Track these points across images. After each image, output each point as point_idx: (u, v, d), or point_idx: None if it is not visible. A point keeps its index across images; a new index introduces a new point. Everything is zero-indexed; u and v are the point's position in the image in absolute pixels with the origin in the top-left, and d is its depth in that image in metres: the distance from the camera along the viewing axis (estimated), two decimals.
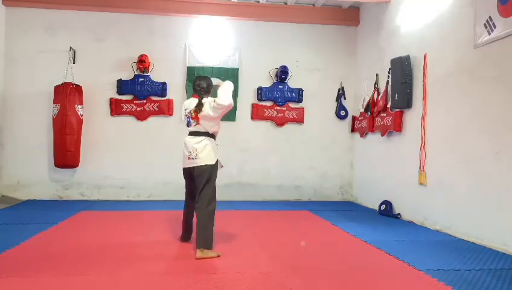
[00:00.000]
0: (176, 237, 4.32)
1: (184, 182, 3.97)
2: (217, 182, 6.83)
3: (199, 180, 3.77)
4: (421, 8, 5.44)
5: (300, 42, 7.38)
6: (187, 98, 5.00)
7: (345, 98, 7.48)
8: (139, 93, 6.90)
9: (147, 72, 6.89)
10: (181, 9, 7.03)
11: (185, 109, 3.93)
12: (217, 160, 3.82)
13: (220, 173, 7.20)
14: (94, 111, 6.79)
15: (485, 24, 4.21)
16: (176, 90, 7.03)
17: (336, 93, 7.49)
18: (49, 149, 6.64)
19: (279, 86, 7.27)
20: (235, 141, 7.18)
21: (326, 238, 4.51)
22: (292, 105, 7.34)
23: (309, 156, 7.38)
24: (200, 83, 3.99)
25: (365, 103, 6.89)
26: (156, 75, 6.95)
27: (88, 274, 3.02)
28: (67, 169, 6.65)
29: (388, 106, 6.09)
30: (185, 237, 4.07)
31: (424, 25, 5.36)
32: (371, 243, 4.14)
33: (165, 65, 6.98)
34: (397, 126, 5.79)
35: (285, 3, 7.27)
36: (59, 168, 6.58)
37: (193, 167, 3.77)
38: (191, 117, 3.85)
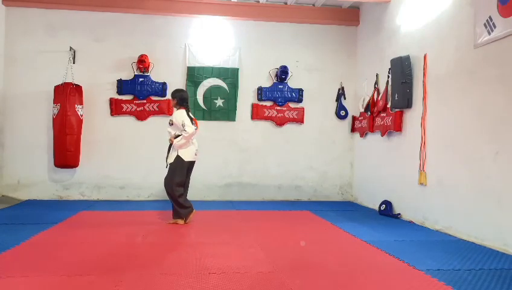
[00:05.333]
0: (175, 237, 4.33)
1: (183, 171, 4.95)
2: (217, 181, 7.16)
3: (191, 170, 5.11)
4: (421, 8, 5.44)
5: (300, 42, 7.38)
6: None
7: (345, 98, 7.48)
8: (139, 93, 6.90)
9: (147, 72, 6.90)
10: (181, 9, 7.03)
11: (190, 118, 4.90)
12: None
13: (220, 172, 7.37)
14: (94, 111, 6.79)
15: (485, 24, 4.20)
16: None
17: (336, 93, 7.49)
18: (49, 149, 6.65)
19: (279, 86, 7.27)
20: (235, 141, 7.19)
21: (326, 238, 4.51)
22: (292, 105, 7.34)
23: (309, 156, 7.39)
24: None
25: (365, 103, 6.89)
26: (156, 75, 6.95)
27: (88, 274, 3.02)
28: (67, 169, 6.65)
29: (388, 105, 6.09)
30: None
31: (424, 25, 5.36)
32: (371, 243, 4.14)
33: (165, 65, 6.99)
34: (397, 126, 5.79)
35: (285, 3, 7.27)
36: (59, 168, 6.59)
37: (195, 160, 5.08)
38: (196, 124, 4.96)
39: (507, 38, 3.94)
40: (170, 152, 4.94)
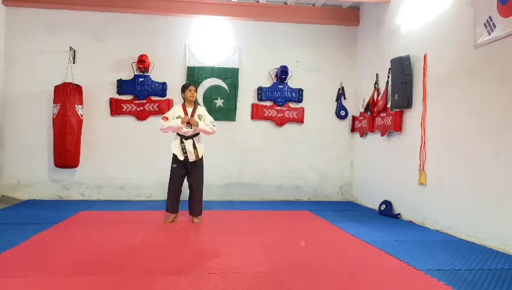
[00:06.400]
0: (175, 237, 4.33)
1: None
2: (217, 181, 7.09)
3: None
4: (421, 8, 5.44)
5: (300, 42, 7.38)
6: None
7: (345, 98, 7.48)
8: (139, 93, 6.90)
9: (147, 72, 6.90)
10: (181, 9, 7.03)
11: None
12: (174, 154, 4.95)
13: (220, 172, 7.33)
14: (94, 111, 6.79)
15: (485, 24, 4.21)
16: (176, 90, 6.97)
17: (336, 93, 7.49)
18: (49, 149, 6.65)
19: (279, 86, 7.27)
20: (235, 141, 7.19)
21: (326, 238, 4.51)
22: (292, 105, 7.34)
23: (309, 156, 7.39)
24: None
25: (365, 103, 6.90)
26: (156, 75, 6.95)
27: (88, 274, 3.02)
28: (67, 169, 6.65)
29: (388, 105, 6.09)
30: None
31: (424, 25, 5.36)
32: (371, 243, 4.14)
33: (165, 65, 6.98)
34: (397, 126, 5.79)
35: (285, 3, 7.27)
36: (59, 168, 6.59)
37: None
38: None
39: (507, 38, 3.94)
40: (195, 146, 4.88)
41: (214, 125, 4.99)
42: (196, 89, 5.09)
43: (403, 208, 5.70)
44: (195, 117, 4.92)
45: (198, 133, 4.95)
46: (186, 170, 4.99)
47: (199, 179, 5.01)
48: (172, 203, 5.04)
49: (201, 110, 5.08)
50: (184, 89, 5.00)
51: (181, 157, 4.86)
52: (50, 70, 6.63)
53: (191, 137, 4.89)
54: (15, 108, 6.69)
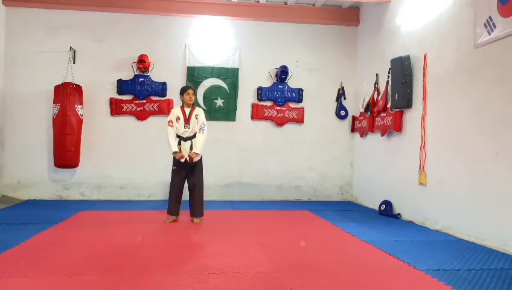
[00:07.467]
0: (175, 237, 4.33)
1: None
2: (217, 181, 7.11)
3: None
4: (421, 8, 5.44)
5: (300, 42, 7.38)
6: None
7: (345, 98, 7.48)
8: (139, 93, 6.90)
9: (147, 72, 6.90)
10: (181, 9, 7.03)
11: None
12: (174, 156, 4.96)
13: (220, 172, 7.36)
14: (94, 111, 6.79)
15: (485, 24, 4.20)
16: (176, 90, 6.94)
17: (336, 93, 7.49)
18: (49, 149, 6.65)
19: (279, 86, 7.27)
20: (235, 141, 7.20)
21: (326, 238, 4.51)
22: (292, 105, 7.34)
23: (309, 156, 7.39)
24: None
25: (365, 103, 6.89)
26: (156, 75, 6.95)
27: (88, 274, 3.02)
28: (67, 169, 6.65)
29: (388, 105, 6.09)
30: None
31: (424, 24, 5.36)
32: (371, 243, 4.14)
33: (165, 65, 6.99)
34: (397, 126, 5.79)
35: (285, 3, 7.27)
36: (59, 168, 6.59)
37: None
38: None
39: (507, 38, 3.94)
40: (192, 147, 4.91)
41: (204, 129, 4.96)
42: (194, 92, 5.12)
43: (403, 208, 5.70)
44: (193, 117, 4.95)
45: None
46: (186, 172, 5.00)
47: (199, 180, 5.02)
48: (173, 205, 5.05)
49: (198, 111, 5.08)
50: (182, 92, 5.04)
51: (181, 159, 4.87)
52: (50, 70, 6.63)
53: (190, 139, 4.91)
54: (15, 108, 6.69)
